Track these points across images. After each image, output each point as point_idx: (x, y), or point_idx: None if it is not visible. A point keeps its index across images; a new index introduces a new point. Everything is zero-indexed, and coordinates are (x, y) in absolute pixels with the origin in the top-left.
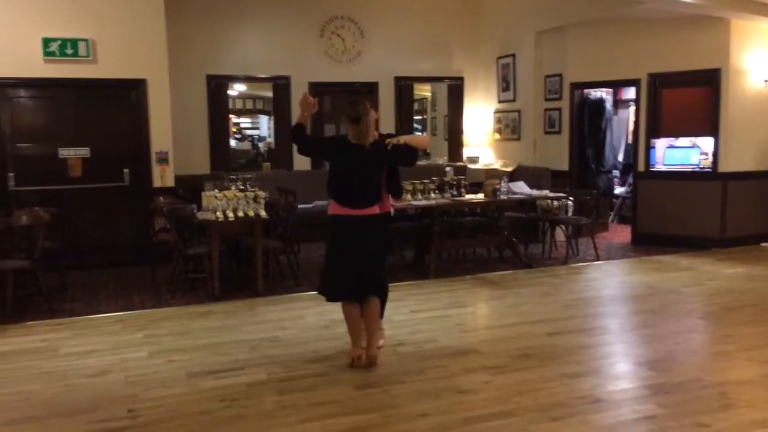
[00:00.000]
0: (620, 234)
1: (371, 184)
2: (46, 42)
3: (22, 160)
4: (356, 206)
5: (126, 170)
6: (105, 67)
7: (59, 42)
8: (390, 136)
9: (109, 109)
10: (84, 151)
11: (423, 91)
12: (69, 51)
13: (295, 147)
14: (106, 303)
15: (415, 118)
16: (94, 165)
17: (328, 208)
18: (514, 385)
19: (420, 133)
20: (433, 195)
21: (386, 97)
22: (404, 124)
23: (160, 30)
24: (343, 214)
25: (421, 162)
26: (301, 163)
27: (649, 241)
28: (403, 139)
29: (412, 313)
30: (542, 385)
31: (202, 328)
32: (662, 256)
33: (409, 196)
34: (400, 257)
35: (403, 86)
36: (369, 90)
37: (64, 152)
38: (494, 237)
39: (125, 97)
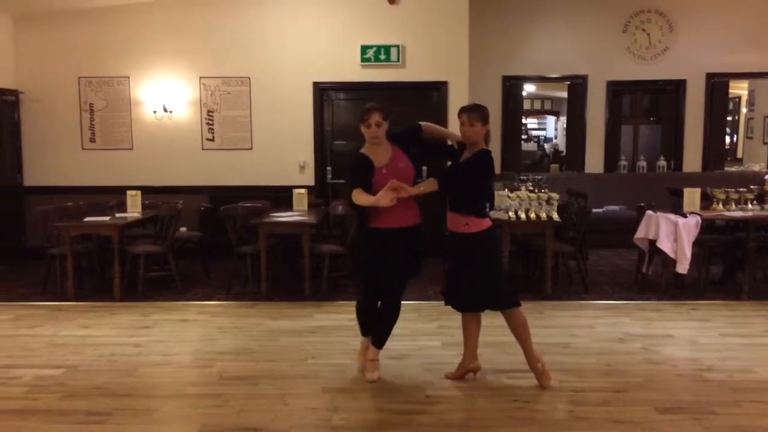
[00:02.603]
0: None
1: None
2: (364, 49)
3: (338, 156)
4: None
5: (424, 168)
6: (412, 71)
7: (374, 49)
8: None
9: (413, 110)
10: None
11: (736, 89)
12: (382, 57)
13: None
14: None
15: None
16: None
17: (477, 225)
18: None
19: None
20: (750, 206)
21: (694, 96)
22: (714, 127)
23: (463, 34)
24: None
25: (732, 168)
26: (594, 165)
27: None
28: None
29: (722, 337)
30: None
31: (490, 325)
32: None
33: (720, 206)
34: (705, 273)
35: (716, 84)
36: (674, 88)
37: None
38: None
39: (428, 99)
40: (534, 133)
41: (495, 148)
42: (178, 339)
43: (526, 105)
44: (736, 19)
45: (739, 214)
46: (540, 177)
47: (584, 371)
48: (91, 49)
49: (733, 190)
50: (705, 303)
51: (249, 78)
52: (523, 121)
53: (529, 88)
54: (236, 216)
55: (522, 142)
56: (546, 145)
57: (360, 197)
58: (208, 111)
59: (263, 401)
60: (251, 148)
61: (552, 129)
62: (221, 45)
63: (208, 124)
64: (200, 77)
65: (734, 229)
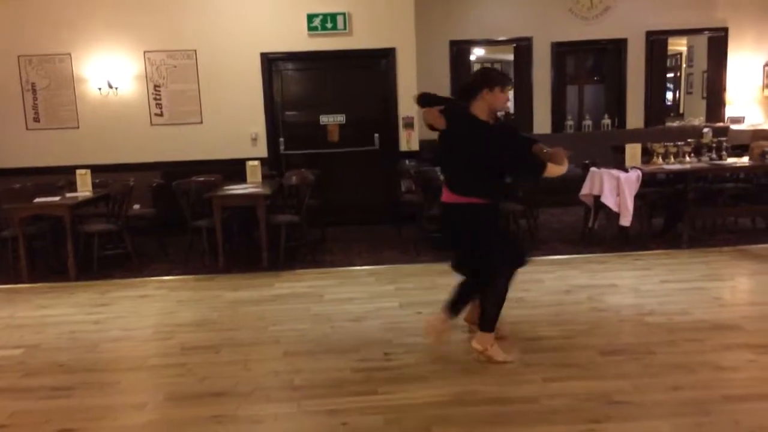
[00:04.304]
0: None
1: None
2: (310, 18)
3: (290, 127)
4: None
5: (376, 135)
6: (359, 39)
7: (321, 17)
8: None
9: (362, 78)
10: (340, 118)
11: (677, 45)
12: (329, 25)
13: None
14: (359, 257)
15: (667, 76)
16: (348, 131)
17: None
18: None
19: None
20: (687, 159)
21: (635, 55)
22: (654, 84)
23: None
24: None
25: (673, 123)
26: (541, 126)
27: None
28: None
29: (662, 283)
30: None
31: (446, 284)
32: None
33: (660, 160)
34: (647, 225)
35: (656, 41)
36: (616, 47)
37: (324, 119)
38: (761, 206)
39: (376, 66)
40: None
41: None
42: (138, 314)
43: (477, 69)
44: None
45: (677, 166)
46: None
47: (535, 322)
48: (29, 26)
49: (671, 144)
50: (647, 253)
51: (195, 51)
52: None
53: (478, 52)
54: (189, 191)
55: None
56: None
57: (557, 168)
58: (155, 86)
59: (226, 368)
60: (201, 122)
61: None
62: (164, 18)
63: (155, 99)
64: (144, 51)
65: (674, 181)
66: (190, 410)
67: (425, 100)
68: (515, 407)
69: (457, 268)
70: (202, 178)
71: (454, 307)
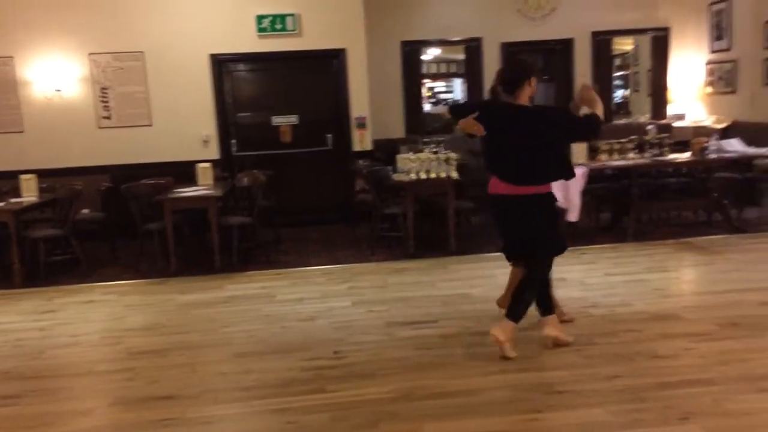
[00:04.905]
0: None
1: None
2: (260, 19)
3: (242, 128)
4: None
5: (329, 135)
6: (309, 40)
7: (270, 18)
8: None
9: (313, 79)
10: (293, 119)
11: (624, 45)
12: (278, 26)
13: None
14: (313, 257)
15: (617, 74)
16: (301, 131)
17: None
18: (718, 354)
19: None
20: (631, 155)
21: (582, 54)
22: (601, 82)
23: (357, 0)
24: None
25: (620, 121)
26: None
27: None
28: None
29: (606, 276)
30: (751, 356)
31: (398, 282)
32: None
33: (605, 156)
34: (595, 220)
35: (602, 41)
36: (563, 47)
37: (276, 120)
38: (702, 199)
39: (327, 67)
40: (442, 96)
41: (398, 113)
42: (85, 320)
43: (432, 68)
44: None
45: (621, 163)
46: (442, 139)
47: (482, 317)
48: None
49: (615, 141)
50: (594, 247)
51: (142, 52)
52: (430, 84)
53: (434, 52)
54: (139, 194)
55: (430, 105)
56: None
57: (600, 109)
58: (102, 88)
59: (173, 371)
60: (151, 125)
61: (459, 91)
62: (109, 19)
63: (102, 101)
64: (89, 53)
65: (620, 177)
66: (138, 414)
67: (456, 112)
68: (461, 400)
69: (509, 256)
70: (152, 181)
71: (542, 307)
